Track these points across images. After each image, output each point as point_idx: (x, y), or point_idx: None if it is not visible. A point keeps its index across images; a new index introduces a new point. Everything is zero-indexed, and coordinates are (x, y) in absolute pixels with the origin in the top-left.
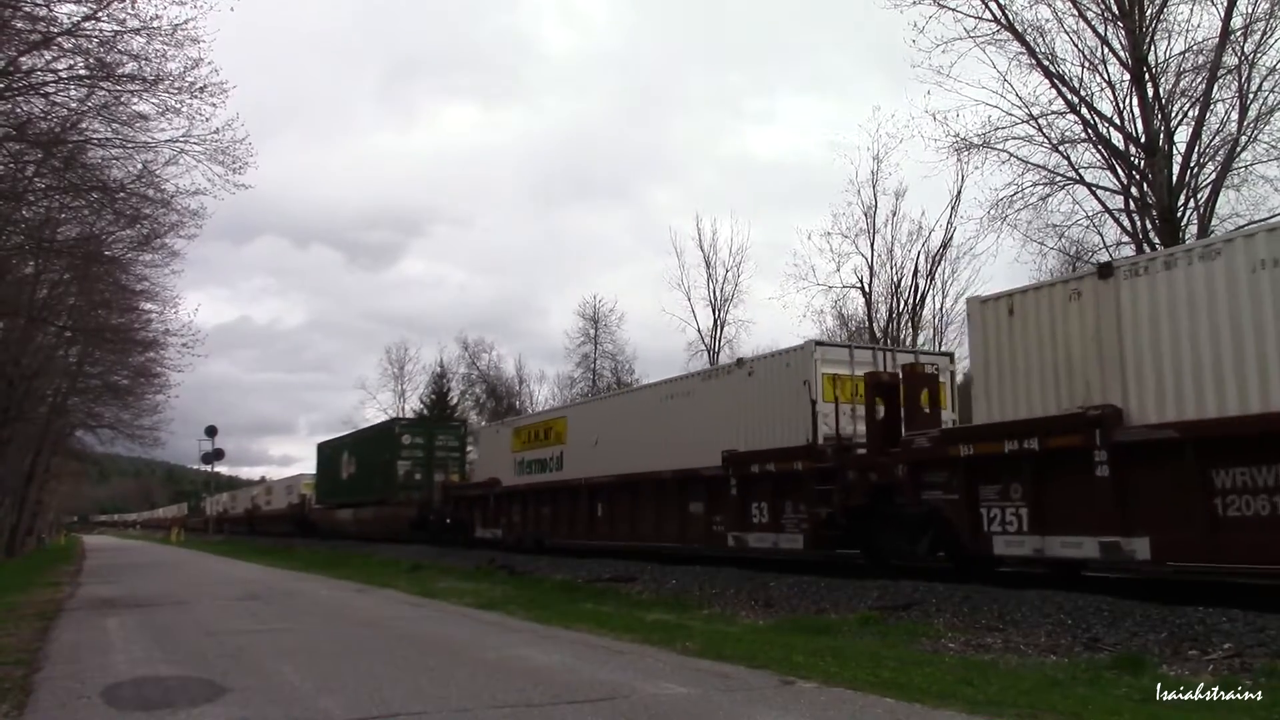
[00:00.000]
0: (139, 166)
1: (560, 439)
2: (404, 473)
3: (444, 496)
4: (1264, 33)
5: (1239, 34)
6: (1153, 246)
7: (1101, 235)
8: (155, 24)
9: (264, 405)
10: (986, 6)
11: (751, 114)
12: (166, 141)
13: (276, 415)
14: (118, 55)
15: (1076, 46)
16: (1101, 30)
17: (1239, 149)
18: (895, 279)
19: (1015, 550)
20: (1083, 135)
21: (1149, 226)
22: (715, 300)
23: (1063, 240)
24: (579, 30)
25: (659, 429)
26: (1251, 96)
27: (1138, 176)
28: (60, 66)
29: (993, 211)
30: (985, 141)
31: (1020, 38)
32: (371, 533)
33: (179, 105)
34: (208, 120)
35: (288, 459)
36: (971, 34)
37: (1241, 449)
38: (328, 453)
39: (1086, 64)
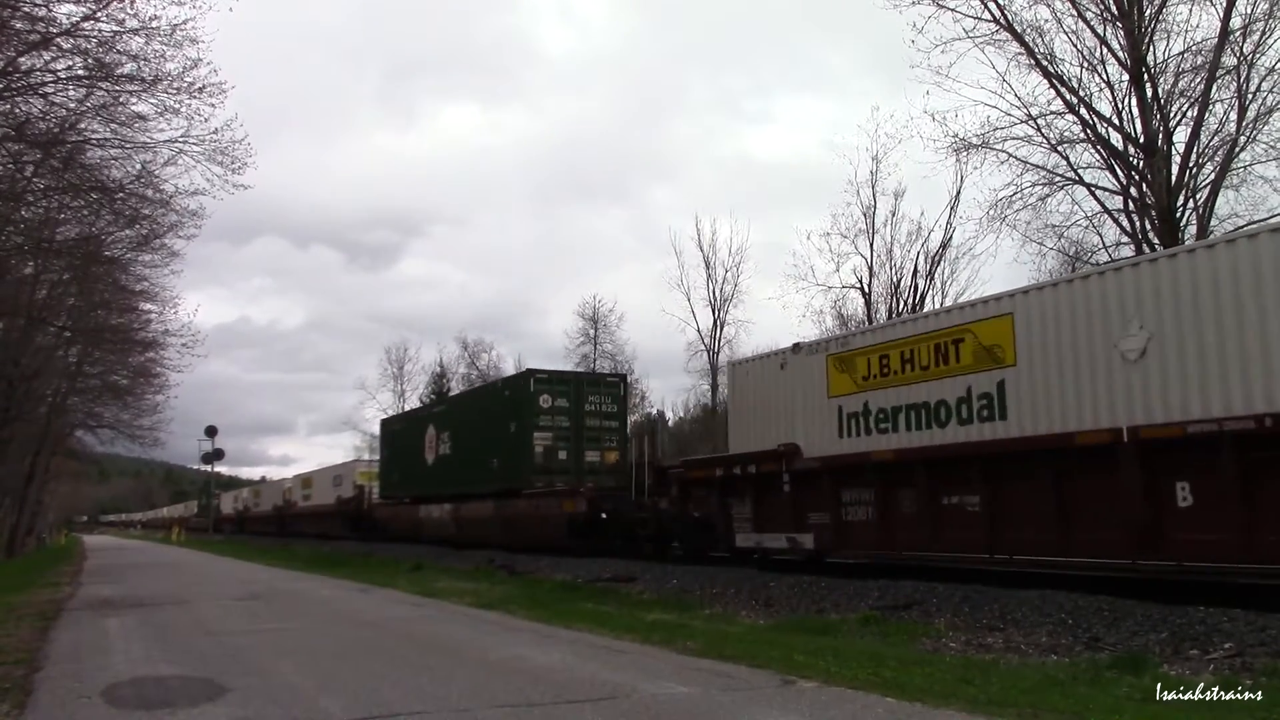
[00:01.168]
0: (138, 167)
1: (995, 356)
2: (542, 450)
3: (658, 479)
4: (1263, 33)
5: (1238, 34)
6: (1152, 247)
7: (1101, 235)
8: (154, 24)
9: (264, 405)
10: (985, 7)
11: (750, 114)
12: (165, 142)
13: (276, 415)
14: (116, 55)
15: (1075, 47)
16: (1100, 30)
17: (1238, 149)
18: (895, 279)
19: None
20: (1082, 135)
21: (1148, 227)
22: (715, 300)
23: (1062, 240)
24: (578, 31)
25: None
26: (1250, 97)
27: (1137, 177)
28: (59, 67)
29: (992, 212)
30: (984, 142)
31: (1019, 38)
32: (490, 537)
33: (178, 105)
34: (207, 120)
35: (287, 459)
36: (970, 34)
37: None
38: (400, 430)
39: (1085, 64)
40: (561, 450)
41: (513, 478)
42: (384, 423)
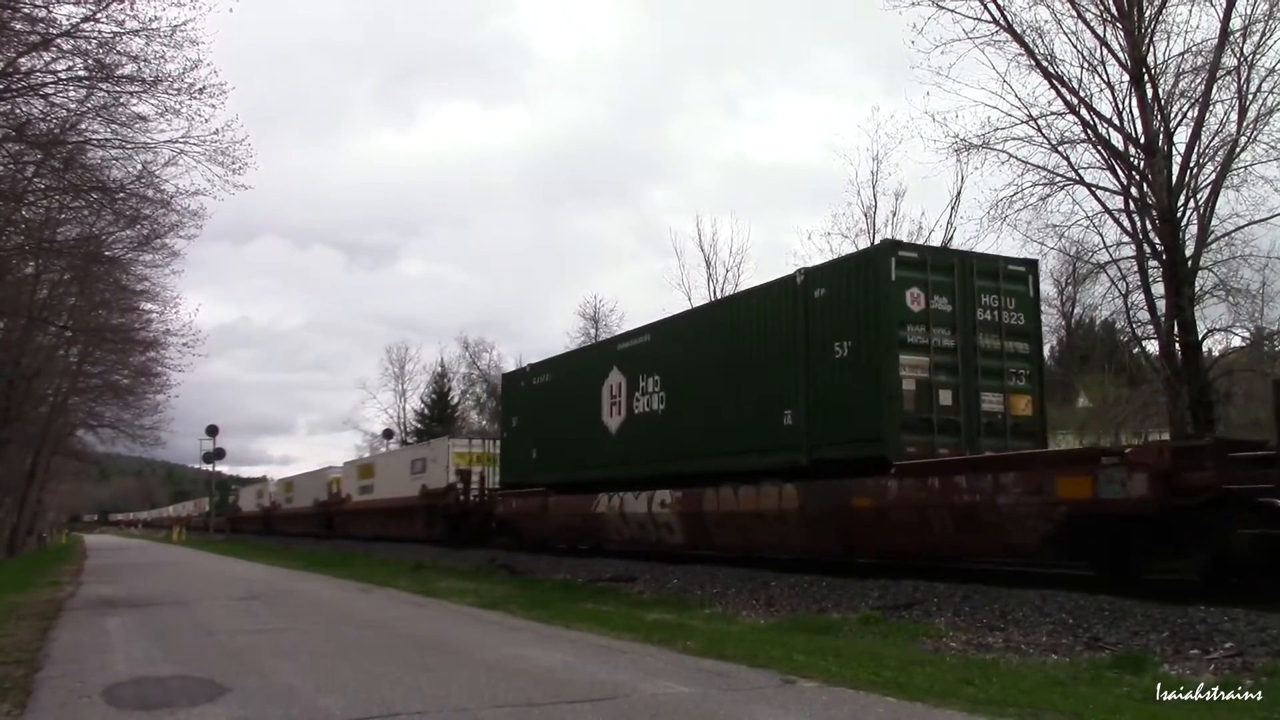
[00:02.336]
0: (139, 167)
1: None
2: (916, 387)
3: None
4: (1263, 34)
5: (1238, 35)
6: (1153, 246)
7: (1101, 235)
8: (154, 25)
9: (264, 405)
10: (985, 7)
11: (750, 115)
12: (166, 142)
13: (276, 415)
14: (117, 56)
15: (1075, 47)
16: (1100, 31)
17: (1238, 149)
18: None
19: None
20: (1082, 136)
21: (1149, 227)
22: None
23: (1063, 240)
24: (578, 32)
25: None
26: (1251, 97)
27: (1137, 177)
28: (59, 68)
29: (992, 212)
30: (985, 142)
31: (1019, 39)
32: (789, 543)
33: (178, 106)
34: (207, 121)
35: (287, 459)
36: (970, 35)
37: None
38: (543, 385)
39: (1086, 65)
40: (945, 389)
41: (852, 438)
42: (507, 378)
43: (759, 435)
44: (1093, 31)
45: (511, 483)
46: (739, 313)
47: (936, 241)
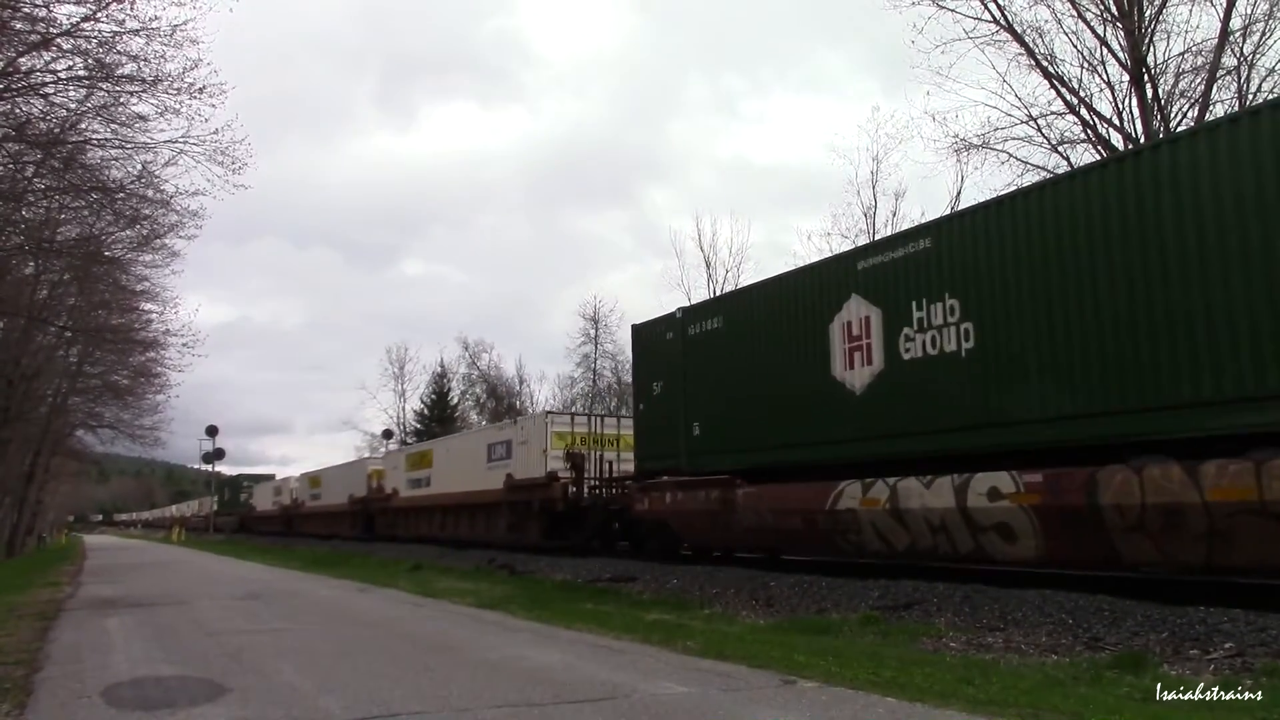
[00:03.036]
0: (138, 167)
1: None
2: None
3: None
4: (1263, 34)
5: (1238, 35)
6: None
7: None
8: (154, 25)
9: (263, 405)
10: (985, 7)
11: (749, 115)
12: (166, 142)
13: (275, 415)
14: (117, 56)
15: (1075, 47)
16: (1101, 31)
17: None
18: None
19: None
20: (1082, 136)
21: None
22: None
23: None
24: (578, 32)
25: None
26: (1251, 97)
27: None
28: (59, 67)
29: None
30: (985, 142)
31: (1019, 39)
32: None
33: (178, 106)
34: (207, 121)
35: (287, 459)
36: (970, 35)
37: None
38: (712, 334)
39: (1086, 65)
40: None
41: None
42: (642, 330)
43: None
44: (1093, 31)
45: (653, 469)
46: (1197, 156)
47: None
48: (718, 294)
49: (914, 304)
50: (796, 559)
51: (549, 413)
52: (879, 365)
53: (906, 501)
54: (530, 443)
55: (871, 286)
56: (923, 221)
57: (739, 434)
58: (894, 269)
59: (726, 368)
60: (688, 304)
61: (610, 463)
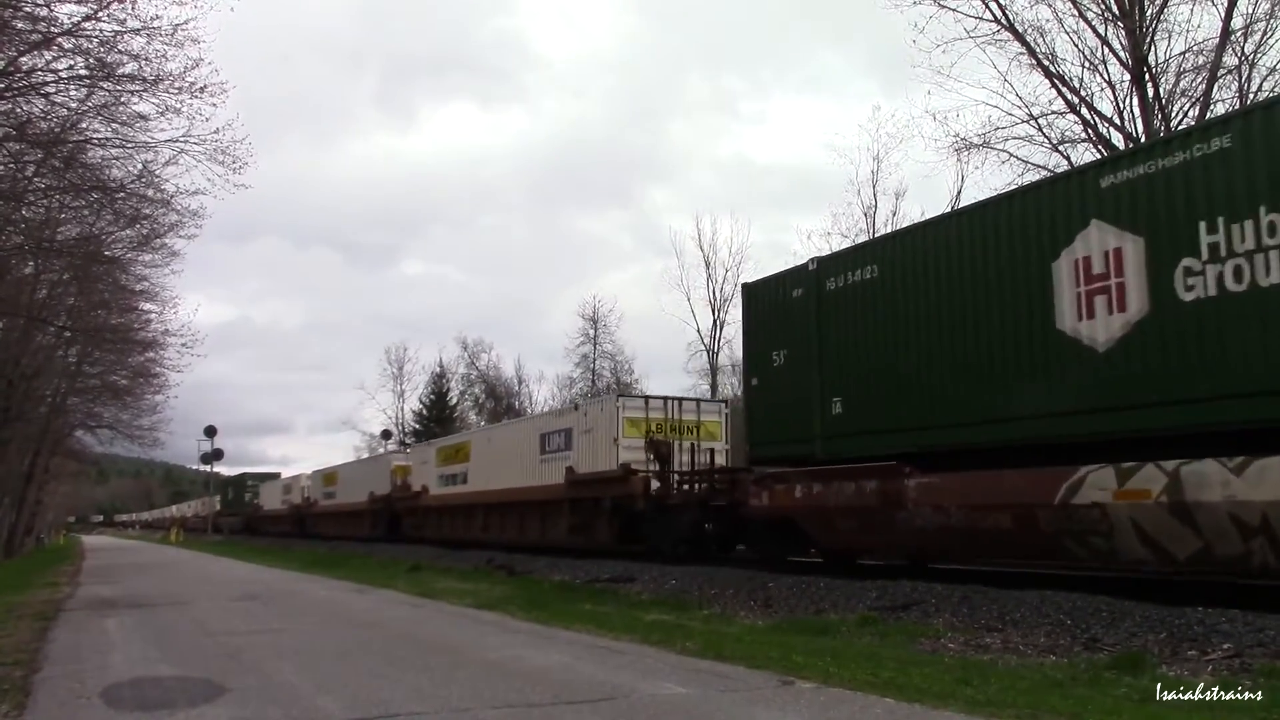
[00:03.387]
0: (139, 166)
1: None
2: None
3: None
4: (1264, 33)
5: (1239, 34)
6: None
7: None
8: (155, 24)
9: (262, 405)
10: (986, 7)
11: (749, 115)
12: (166, 141)
13: (275, 415)
14: (118, 55)
15: (1076, 47)
16: (1101, 30)
17: None
18: None
19: None
20: (1083, 135)
21: None
22: (715, 300)
23: None
24: (577, 32)
25: None
26: (1252, 97)
27: None
28: (60, 66)
29: None
30: (985, 141)
31: (1020, 38)
32: None
33: (179, 105)
34: (207, 120)
35: (287, 459)
36: (971, 34)
37: None
38: (870, 280)
39: (1087, 64)
40: None
41: None
42: (755, 289)
43: None
44: (1094, 30)
45: (770, 457)
46: None
47: None
48: (838, 249)
49: (1203, 225)
50: (801, 560)
51: (621, 396)
52: (1138, 311)
53: (1199, 493)
54: (596, 431)
55: (1125, 208)
56: (1219, 114)
57: (904, 409)
58: (1166, 181)
59: (885, 329)
60: (819, 255)
61: (710, 451)
